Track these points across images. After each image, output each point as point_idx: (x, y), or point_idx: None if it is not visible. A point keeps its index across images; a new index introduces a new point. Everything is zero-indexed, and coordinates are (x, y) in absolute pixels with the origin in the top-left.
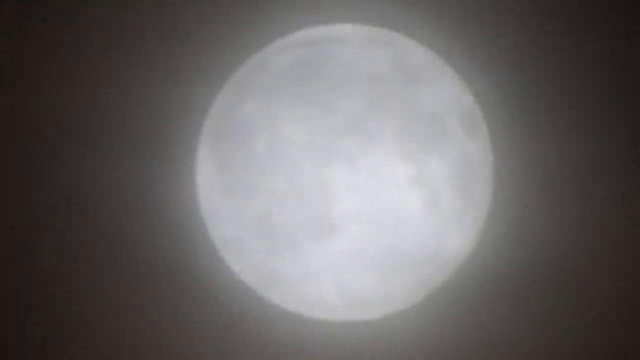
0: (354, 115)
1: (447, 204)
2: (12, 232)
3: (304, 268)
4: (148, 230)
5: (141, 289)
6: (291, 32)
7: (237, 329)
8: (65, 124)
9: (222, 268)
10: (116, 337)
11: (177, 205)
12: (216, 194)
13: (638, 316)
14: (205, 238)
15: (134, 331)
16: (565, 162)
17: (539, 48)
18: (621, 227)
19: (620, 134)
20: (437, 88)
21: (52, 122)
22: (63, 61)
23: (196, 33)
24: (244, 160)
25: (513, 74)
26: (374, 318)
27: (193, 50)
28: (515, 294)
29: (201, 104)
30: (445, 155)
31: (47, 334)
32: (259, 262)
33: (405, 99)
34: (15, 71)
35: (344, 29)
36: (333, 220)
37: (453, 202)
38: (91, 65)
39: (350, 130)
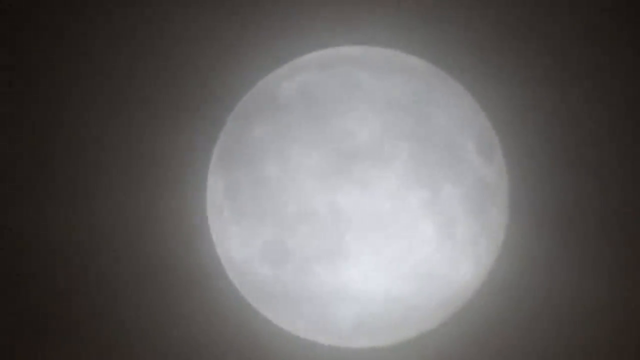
0: (367, 140)
1: (462, 230)
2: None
3: (315, 294)
4: (160, 254)
5: (152, 311)
6: (303, 54)
7: (247, 354)
8: (78, 150)
9: (232, 293)
10: (124, 356)
11: (187, 229)
12: (226, 218)
13: None
14: (215, 262)
15: (142, 352)
16: (582, 188)
17: (555, 70)
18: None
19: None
20: (452, 111)
21: (64, 148)
22: (73, 85)
23: (207, 57)
24: (254, 185)
25: (530, 98)
26: (386, 345)
27: (204, 75)
28: (529, 322)
29: (212, 128)
30: (460, 180)
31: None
32: (268, 287)
33: (419, 122)
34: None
35: (357, 51)
36: (345, 246)
37: (467, 227)
38: (103, 90)
39: (363, 155)
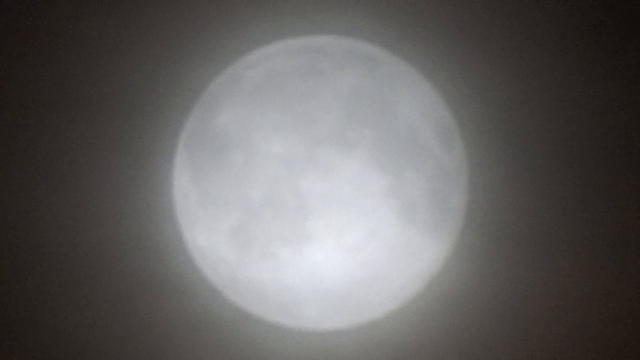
0: (331, 126)
1: (422, 215)
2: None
3: (280, 278)
4: (124, 240)
5: (116, 297)
6: (268, 43)
7: (212, 338)
8: (43, 134)
9: (197, 276)
10: (88, 344)
11: (153, 215)
12: (192, 204)
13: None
14: (182, 247)
15: (108, 338)
16: (542, 173)
17: (515, 60)
18: (597, 244)
19: (593, 143)
20: (413, 100)
21: (26, 135)
22: (40, 71)
23: (173, 43)
24: (219, 171)
25: (489, 86)
26: (348, 327)
27: (170, 60)
28: (488, 307)
29: (178, 114)
30: (421, 167)
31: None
32: (234, 271)
33: (381, 110)
34: None
35: (322, 41)
36: (309, 231)
37: (428, 213)
38: (70, 76)
39: (327, 141)
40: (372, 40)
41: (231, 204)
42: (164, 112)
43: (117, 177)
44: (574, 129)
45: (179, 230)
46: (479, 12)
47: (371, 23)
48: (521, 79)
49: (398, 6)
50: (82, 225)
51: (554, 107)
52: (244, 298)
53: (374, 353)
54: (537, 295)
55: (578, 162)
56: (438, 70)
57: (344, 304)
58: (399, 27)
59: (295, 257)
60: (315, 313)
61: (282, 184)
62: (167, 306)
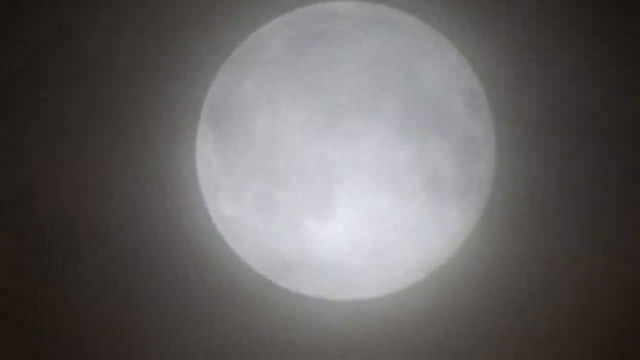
0: (356, 94)
1: (448, 184)
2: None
3: (304, 247)
4: (148, 208)
5: (142, 266)
6: (293, 8)
7: (235, 306)
8: (70, 101)
9: (221, 246)
10: (112, 319)
11: (177, 183)
12: (215, 172)
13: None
14: (205, 216)
15: (132, 312)
16: (569, 141)
17: (545, 25)
18: (624, 213)
19: (627, 110)
20: (439, 66)
21: (55, 100)
22: (63, 43)
23: (196, 10)
24: (243, 139)
25: (516, 52)
26: (373, 297)
27: (193, 28)
28: (515, 275)
29: (201, 82)
30: (447, 134)
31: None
32: (258, 241)
33: (407, 77)
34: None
35: (347, 6)
36: (333, 200)
37: (454, 181)
38: (95, 43)
39: (352, 109)
40: (397, 5)
41: (254, 172)
42: (189, 79)
43: (141, 145)
44: (606, 96)
45: (202, 198)
46: None
47: None
48: (552, 44)
49: None
50: (104, 195)
51: (585, 73)
52: (267, 267)
53: (398, 323)
54: (564, 264)
55: (608, 130)
56: (465, 34)
57: (368, 274)
58: None
59: (319, 226)
60: (338, 282)
61: (306, 152)
62: (191, 275)
